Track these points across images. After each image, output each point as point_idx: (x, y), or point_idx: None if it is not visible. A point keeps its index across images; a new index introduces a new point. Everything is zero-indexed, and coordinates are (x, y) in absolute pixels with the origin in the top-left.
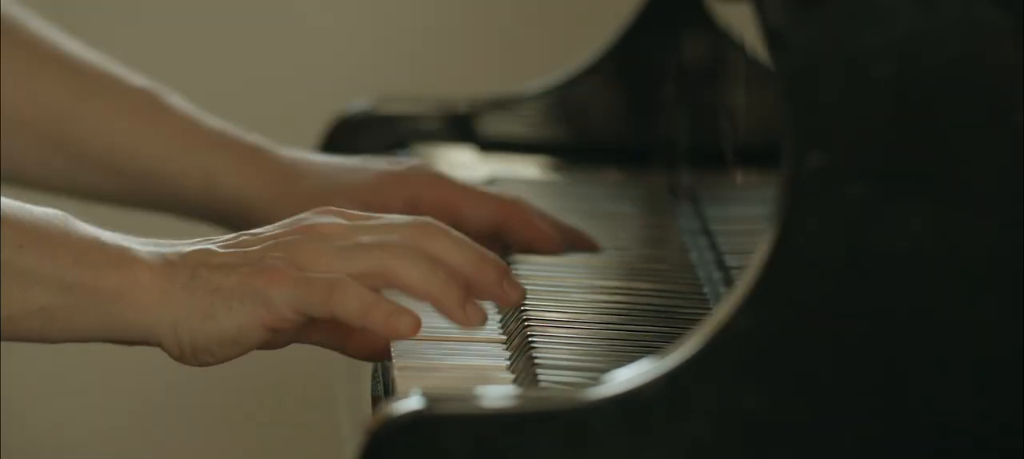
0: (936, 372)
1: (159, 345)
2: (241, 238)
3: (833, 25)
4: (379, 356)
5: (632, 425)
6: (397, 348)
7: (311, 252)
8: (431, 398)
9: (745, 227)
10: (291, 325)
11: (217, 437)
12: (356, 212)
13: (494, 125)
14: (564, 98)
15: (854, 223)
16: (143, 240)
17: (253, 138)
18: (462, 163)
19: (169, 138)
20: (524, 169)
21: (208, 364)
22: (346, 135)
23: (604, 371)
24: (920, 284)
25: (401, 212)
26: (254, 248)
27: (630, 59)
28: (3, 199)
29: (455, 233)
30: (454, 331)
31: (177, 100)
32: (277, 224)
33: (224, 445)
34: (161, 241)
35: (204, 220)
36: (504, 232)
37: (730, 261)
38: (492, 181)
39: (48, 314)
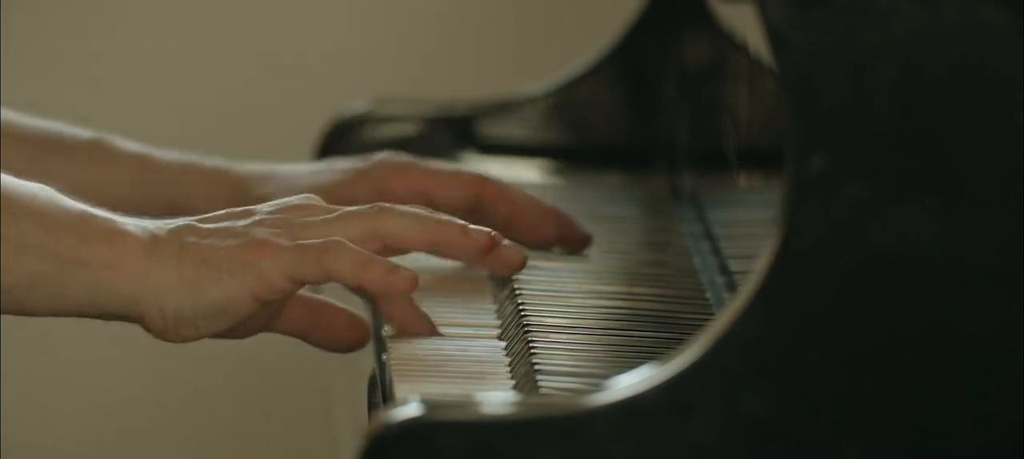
0: (938, 374)
1: (139, 319)
2: (227, 214)
3: (835, 26)
4: (343, 346)
5: (633, 431)
6: (395, 352)
7: (299, 225)
8: (430, 404)
9: (748, 230)
10: (281, 294)
11: (214, 441)
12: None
13: (494, 127)
14: (565, 100)
15: (856, 225)
16: (129, 218)
17: (213, 161)
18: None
19: (126, 177)
20: (524, 172)
21: (189, 339)
22: (343, 137)
23: (605, 377)
24: (922, 285)
25: None
26: (241, 223)
27: (632, 60)
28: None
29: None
30: (453, 333)
31: (128, 143)
32: (263, 204)
33: (221, 449)
34: (146, 220)
35: None
36: (481, 210)
37: (733, 265)
38: None
39: (35, 283)
